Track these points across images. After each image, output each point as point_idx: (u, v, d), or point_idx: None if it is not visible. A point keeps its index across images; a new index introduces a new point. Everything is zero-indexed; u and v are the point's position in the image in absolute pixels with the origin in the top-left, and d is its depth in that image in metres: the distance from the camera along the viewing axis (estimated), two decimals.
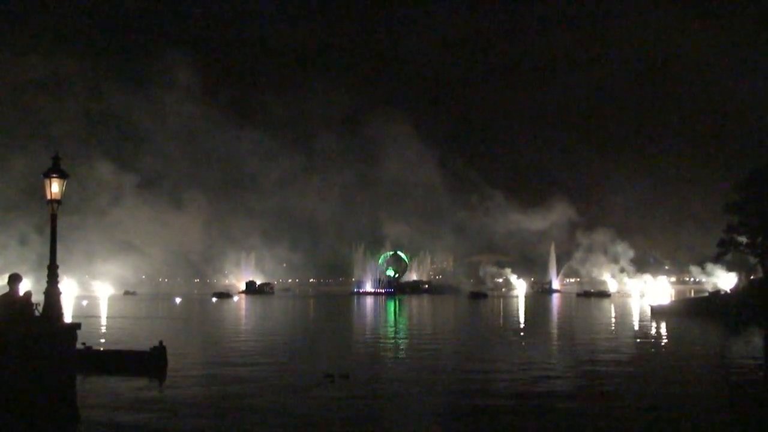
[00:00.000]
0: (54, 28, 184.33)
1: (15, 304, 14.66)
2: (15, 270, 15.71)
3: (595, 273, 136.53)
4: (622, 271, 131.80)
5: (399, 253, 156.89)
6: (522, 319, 47.37)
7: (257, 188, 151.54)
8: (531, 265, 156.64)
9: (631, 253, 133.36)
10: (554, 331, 37.75)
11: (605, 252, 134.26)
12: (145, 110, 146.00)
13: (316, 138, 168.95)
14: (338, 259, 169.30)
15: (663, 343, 30.19)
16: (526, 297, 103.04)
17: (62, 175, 15.85)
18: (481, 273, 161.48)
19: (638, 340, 30.77)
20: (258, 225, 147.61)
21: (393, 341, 31.92)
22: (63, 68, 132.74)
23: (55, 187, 15.79)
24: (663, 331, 35.88)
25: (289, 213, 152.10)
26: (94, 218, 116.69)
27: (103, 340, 29.38)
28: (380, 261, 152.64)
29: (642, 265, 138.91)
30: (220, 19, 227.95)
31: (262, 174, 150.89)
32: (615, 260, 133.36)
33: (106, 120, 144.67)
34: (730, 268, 74.10)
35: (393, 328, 40.30)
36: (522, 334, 35.30)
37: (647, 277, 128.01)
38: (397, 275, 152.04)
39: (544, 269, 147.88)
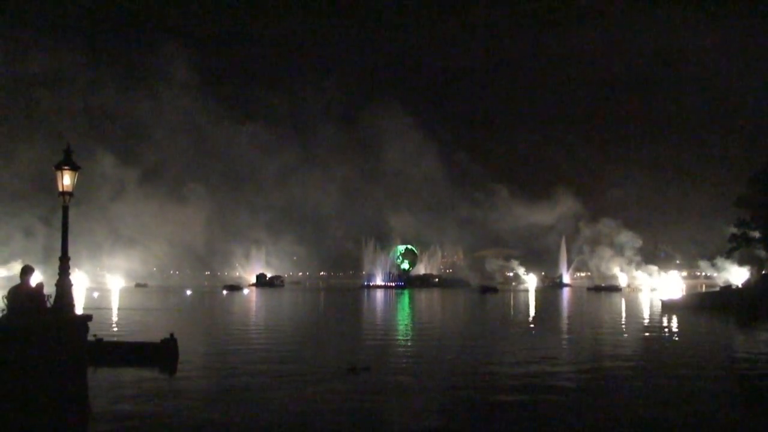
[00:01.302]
0: (54, 23, 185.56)
1: (27, 296, 14.73)
2: (21, 261, 15.84)
3: (603, 267, 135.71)
4: (630, 263, 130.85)
5: (409, 246, 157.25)
6: (533, 314, 47.28)
7: (259, 182, 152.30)
8: (539, 258, 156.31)
9: (638, 242, 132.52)
10: (565, 326, 37.63)
11: (611, 244, 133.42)
12: (144, 104, 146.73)
13: (317, 131, 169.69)
14: (344, 252, 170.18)
15: (674, 338, 30.05)
16: (537, 291, 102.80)
17: (74, 167, 15.89)
18: (488, 267, 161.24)
19: (650, 335, 30.67)
20: (261, 218, 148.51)
21: (409, 335, 31.93)
22: (64, 63, 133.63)
23: (66, 180, 15.83)
24: (674, 325, 35.72)
25: (292, 206, 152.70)
26: (97, 212, 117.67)
27: (114, 332, 29.55)
28: (395, 254, 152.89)
29: (651, 258, 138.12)
30: (217, 12, 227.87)
31: (263, 167, 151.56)
32: (622, 252, 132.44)
33: (107, 114, 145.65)
34: (741, 263, 73.56)
35: (407, 322, 40.33)
36: (533, 328, 35.25)
37: (653, 268, 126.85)
38: (410, 268, 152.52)
39: (552, 263, 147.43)
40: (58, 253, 16.19)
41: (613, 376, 18.40)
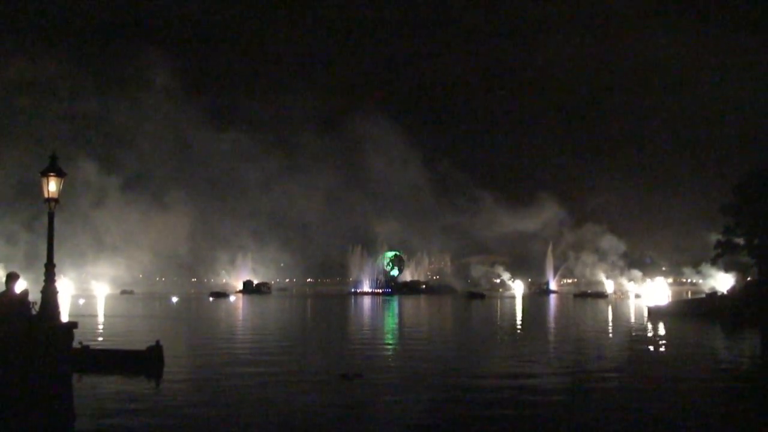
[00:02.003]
0: (35, 30, 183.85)
1: (11, 303, 14.59)
2: (3, 268, 15.73)
3: (588, 273, 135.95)
4: (614, 268, 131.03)
5: (398, 253, 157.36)
6: (519, 321, 47.40)
7: (244, 189, 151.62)
8: (524, 265, 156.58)
9: (621, 248, 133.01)
10: (551, 332, 37.70)
11: (595, 249, 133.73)
12: (126, 111, 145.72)
13: (300, 138, 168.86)
14: (330, 259, 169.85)
15: (660, 344, 30.17)
16: (524, 298, 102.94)
17: (60, 174, 15.78)
18: (474, 274, 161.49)
19: (635, 342, 30.81)
20: (247, 225, 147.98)
21: (399, 341, 31.89)
22: (45, 70, 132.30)
23: (52, 186, 15.72)
24: (661, 332, 35.87)
25: (278, 213, 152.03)
26: (80, 219, 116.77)
27: (100, 339, 29.30)
28: (384, 260, 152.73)
29: (637, 264, 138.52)
30: (199, 19, 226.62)
31: (247, 175, 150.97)
32: (606, 257, 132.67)
33: (89, 121, 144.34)
34: (726, 270, 74.06)
35: (396, 329, 40.27)
36: (521, 335, 35.31)
37: (638, 274, 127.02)
38: (398, 275, 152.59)
39: (538, 269, 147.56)
40: (41, 260, 16.06)
41: (600, 384, 18.45)
